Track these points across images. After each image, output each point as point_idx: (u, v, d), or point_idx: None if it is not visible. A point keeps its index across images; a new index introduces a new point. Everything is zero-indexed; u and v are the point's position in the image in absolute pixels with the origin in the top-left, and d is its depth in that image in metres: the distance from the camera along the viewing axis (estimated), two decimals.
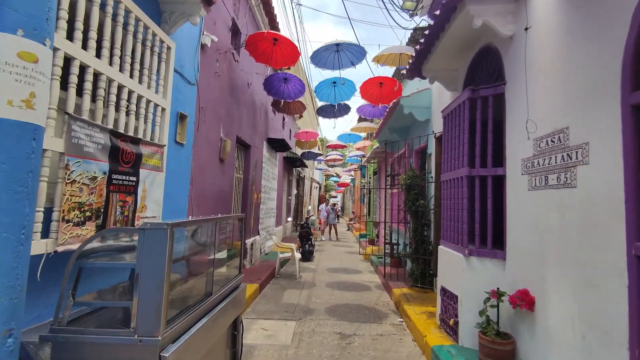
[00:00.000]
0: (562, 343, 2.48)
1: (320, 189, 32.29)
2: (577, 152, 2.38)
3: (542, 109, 2.82)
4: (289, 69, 8.51)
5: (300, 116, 14.19)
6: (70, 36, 2.26)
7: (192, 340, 1.81)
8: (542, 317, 2.73)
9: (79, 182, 2.29)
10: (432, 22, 3.82)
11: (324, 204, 17.35)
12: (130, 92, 2.88)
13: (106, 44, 2.59)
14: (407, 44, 7.74)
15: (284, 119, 12.31)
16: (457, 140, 3.94)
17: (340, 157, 17.78)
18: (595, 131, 2.23)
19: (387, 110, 7.22)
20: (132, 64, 2.93)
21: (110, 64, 2.66)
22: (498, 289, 3.13)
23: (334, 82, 7.84)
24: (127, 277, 2.33)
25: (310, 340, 4.03)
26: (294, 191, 17.00)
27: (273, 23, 8.25)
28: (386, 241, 8.05)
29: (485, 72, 4.01)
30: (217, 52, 5.40)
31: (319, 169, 25.61)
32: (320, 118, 12.29)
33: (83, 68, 2.40)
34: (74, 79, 2.29)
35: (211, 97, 5.21)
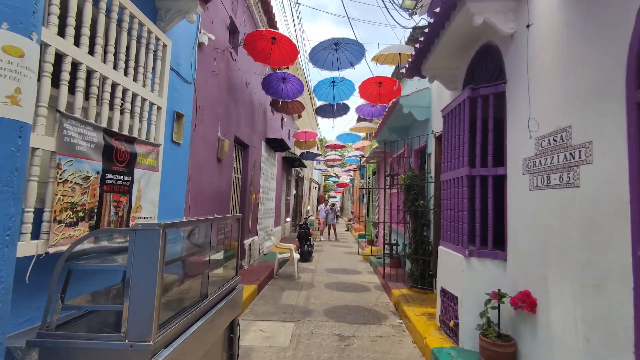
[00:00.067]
0: (564, 346, 2.43)
1: (319, 189, 32.25)
2: (580, 151, 2.33)
3: (544, 107, 2.78)
4: (287, 68, 8.47)
5: (299, 116, 14.14)
6: (62, 32, 2.20)
7: (186, 344, 1.75)
8: (544, 319, 2.69)
9: (71, 181, 2.24)
10: (431, 21, 3.78)
11: (323, 204, 17.29)
12: (124, 90, 2.83)
13: (100, 40, 2.53)
14: (407, 43, 7.69)
15: (282, 118, 12.26)
16: (457, 139, 3.90)
17: (339, 157, 17.72)
18: (598, 130, 2.18)
19: (387, 109, 7.18)
20: (126, 62, 2.87)
21: (104, 61, 2.61)
22: (499, 290, 3.08)
23: (333, 82, 7.79)
24: (120, 279, 2.28)
25: (308, 341, 3.98)
26: (293, 191, 16.94)
27: (271, 22, 8.20)
28: (385, 241, 8.01)
29: (486, 70, 3.97)
30: (214, 50, 5.35)
31: (318, 169, 25.56)
32: (319, 118, 12.24)
33: (75, 65, 2.34)
34: (65, 76, 2.23)
35: (208, 96, 5.16)
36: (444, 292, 3.97)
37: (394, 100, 6.64)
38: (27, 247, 1.98)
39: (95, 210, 2.47)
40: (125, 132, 2.83)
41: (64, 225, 2.20)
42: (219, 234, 2.72)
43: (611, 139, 2.08)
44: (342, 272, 8.19)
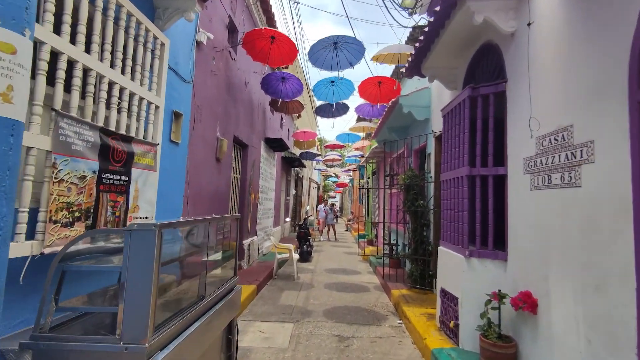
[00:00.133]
0: (566, 347, 2.41)
1: (318, 189, 32.22)
2: (581, 150, 2.31)
3: (545, 106, 2.75)
4: (286, 67, 8.44)
5: (299, 116, 14.11)
6: (57, 30, 2.18)
7: (183, 346, 1.73)
8: (545, 320, 2.66)
9: (67, 181, 2.21)
10: (431, 19, 3.75)
11: (323, 204, 17.26)
12: (121, 89, 2.80)
13: (96, 39, 2.50)
14: (406, 43, 7.67)
15: (282, 118, 12.23)
16: (457, 139, 3.87)
17: (339, 157, 17.70)
18: (600, 129, 2.16)
19: (386, 109, 7.15)
20: (123, 60, 2.84)
21: (101, 59, 2.58)
22: (499, 290, 3.06)
23: (332, 81, 7.76)
24: (117, 280, 2.24)
25: (307, 342, 3.95)
26: (293, 191, 16.91)
27: (271, 21, 8.17)
28: (385, 242, 7.98)
29: (486, 70, 3.95)
30: (213, 50, 5.32)
31: (318, 169, 25.54)
32: (318, 118, 12.21)
33: (71, 63, 2.31)
34: (61, 74, 2.20)
35: (207, 96, 5.13)
36: (444, 292, 3.94)
37: (393, 99, 6.61)
38: (21, 248, 1.95)
39: (92, 210, 2.44)
40: (123, 132, 2.81)
41: (59, 225, 2.17)
42: (217, 234, 2.69)
43: (613, 138, 2.05)
44: (341, 272, 8.17)
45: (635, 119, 1.92)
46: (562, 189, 2.49)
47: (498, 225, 3.51)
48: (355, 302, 5.64)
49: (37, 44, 2.02)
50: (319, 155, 16.50)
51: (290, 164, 14.18)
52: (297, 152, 14.77)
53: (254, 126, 8.27)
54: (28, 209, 2.00)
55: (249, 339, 3.98)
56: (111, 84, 2.68)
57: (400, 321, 4.72)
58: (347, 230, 21.34)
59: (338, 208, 29.33)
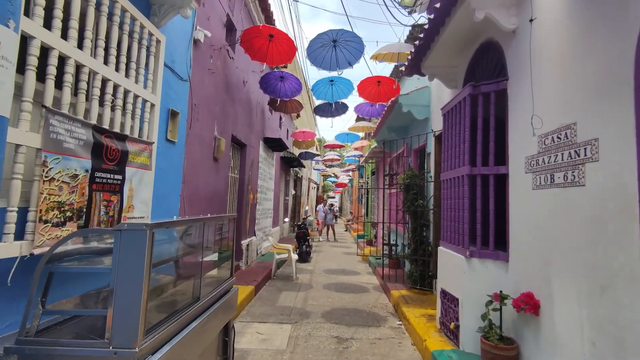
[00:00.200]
0: (569, 350, 2.35)
1: (317, 189, 32.16)
2: (585, 148, 2.26)
3: (547, 104, 2.70)
4: (285, 66, 8.39)
5: (298, 115, 14.06)
6: (48, 25, 2.12)
7: (176, 349, 1.67)
8: (547, 322, 2.61)
9: (58, 180, 2.15)
10: (431, 17, 3.70)
11: (322, 204, 17.20)
12: (115, 86, 2.74)
13: (89, 34, 2.44)
14: (406, 42, 7.63)
15: (281, 118, 12.17)
16: (457, 138, 3.82)
17: (338, 157, 17.63)
18: (605, 126, 2.11)
19: (386, 108, 7.10)
20: (118, 57, 2.79)
21: (94, 56, 2.53)
22: (501, 291, 3.01)
23: (332, 81, 7.71)
24: (108, 281, 2.18)
25: (306, 344, 3.89)
26: (292, 191, 16.85)
27: (269, 20, 8.11)
28: (384, 242, 7.93)
29: (486, 68, 3.90)
30: (211, 48, 5.26)
31: (317, 169, 25.47)
32: (318, 118, 12.17)
33: (63, 59, 2.25)
34: (52, 70, 2.14)
35: (205, 94, 5.07)
36: (444, 293, 3.89)
37: (393, 99, 6.56)
38: (9, 248, 1.89)
39: (84, 210, 2.38)
40: (117, 130, 2.75)
41: (50, 225, 2.11)
42: (213, 234, 2.63)
43: (618, 135, 2.00)
44: (340, 272, 8.11)
45: None
46: (565, 188, 2.44)
47: (499, 225, 3.46)
48: (355, 303, 5.59)
49: (27, 39, 1.97)
50: (318, 155, 16.45)
51: (289, 164, 14.13)
52: (296, 152, 14.71)
53: (253, 126, 8.22)
54: (17, 208, 1.94)
55: (246, 341, 3.93)
56: (105, 81, 2.63)
57: (400, 322, 4.67)
58: (346, 230, 21.28)
59: (337, 208, 29.28)
